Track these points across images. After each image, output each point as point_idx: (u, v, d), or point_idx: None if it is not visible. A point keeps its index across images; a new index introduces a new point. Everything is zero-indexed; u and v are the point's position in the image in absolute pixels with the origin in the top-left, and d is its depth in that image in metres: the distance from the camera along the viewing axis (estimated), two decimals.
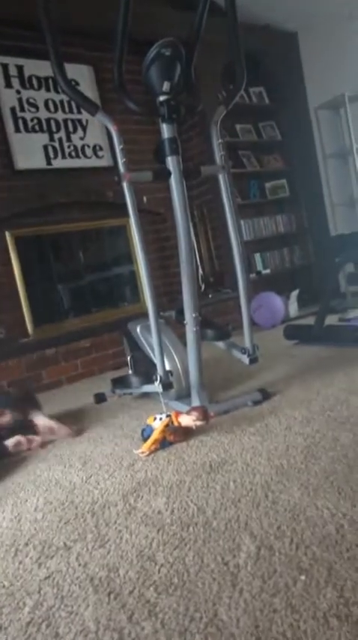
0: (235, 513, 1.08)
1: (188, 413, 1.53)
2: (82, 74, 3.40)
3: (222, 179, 1.72)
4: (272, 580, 0.84)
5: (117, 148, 1.55)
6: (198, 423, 1.51)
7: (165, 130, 1.60)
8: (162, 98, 1.59)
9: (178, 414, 1.54)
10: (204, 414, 1.52)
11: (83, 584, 0.93)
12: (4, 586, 0.98)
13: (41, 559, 1.05)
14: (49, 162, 3.25)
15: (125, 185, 1.54)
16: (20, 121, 3.16)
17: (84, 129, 3.43)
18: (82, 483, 1.39)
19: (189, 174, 1.69)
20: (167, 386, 1.63)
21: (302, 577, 0.83)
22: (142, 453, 1.49)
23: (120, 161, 1.55)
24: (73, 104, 3.38)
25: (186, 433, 1.55)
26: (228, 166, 1.75)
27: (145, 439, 1.54)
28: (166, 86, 1.54)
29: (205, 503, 1.15)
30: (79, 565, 1.00)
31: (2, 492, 1.43)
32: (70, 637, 0.80)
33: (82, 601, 0.89)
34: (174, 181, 1.60)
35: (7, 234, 3.00)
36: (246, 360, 1.76)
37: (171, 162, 1.60)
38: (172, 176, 1.60)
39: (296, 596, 0.79)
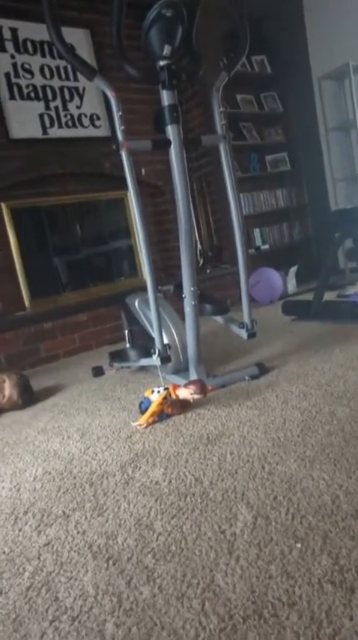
0: (232, 484, 1.09)
1: (186, 386, 1.53)
2: (78, 38, 3.27)
3: (222, 149, 1.68)
4: (268, 548, 0.86)
5: (116, 115, 1.50)
6: (196, 396, 1.52)
7: (165, 97, 1.54)
8: (162, 63, 1.53)
9: (176, 387, 1.54)
10: (202, 388, 1.53)
11: (82, 551, 0.95)
12: (4, 552, 0.99)
13: (40, 527, 1.06)
14: (44, 132, 3.16)
15: (123, 154, 1.50)
16: (15, 88, 3.06)
17: (81, 97, 3.32)
18: (80, 454, 1.40)
19: (190, 143, 1.65)
20: (165, 359, 1.62)
21: (298, 545, 0.84)
22: (140, 425, 1.50)
23: (119, 129, 1.50)
24: (70, 71, 3.27)
25: (183, 406, 1.56)
26: (230, 136, 1.71)
27: (143, 412, 1.54)
28: (167, 50, 1.48)
29: (202, 474, 1.17)
30: (78, 533, 1.01)
31: (2, 463, 1.44)
32: (69, 601, 0.82)
33: (81, 567, 0.90)
34: (173, 151, 1.56)
35: (3, 206, 2.94)
36: (244, 334, 1.75)
37: (171, 130, 1.55)
38: (172, 145, 1.56)
39: (292, 564, 0.80)
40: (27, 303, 3.01)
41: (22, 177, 3.01)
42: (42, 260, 3.19)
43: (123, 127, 1.50)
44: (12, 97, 3.05)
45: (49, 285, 3.20)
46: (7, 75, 3.04)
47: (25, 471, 1.36)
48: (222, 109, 1.65)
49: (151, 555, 0.90)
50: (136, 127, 1.84)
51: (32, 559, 0.95)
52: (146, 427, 1.50)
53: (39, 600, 0.84)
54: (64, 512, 1.10)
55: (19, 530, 1.06)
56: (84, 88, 3.34)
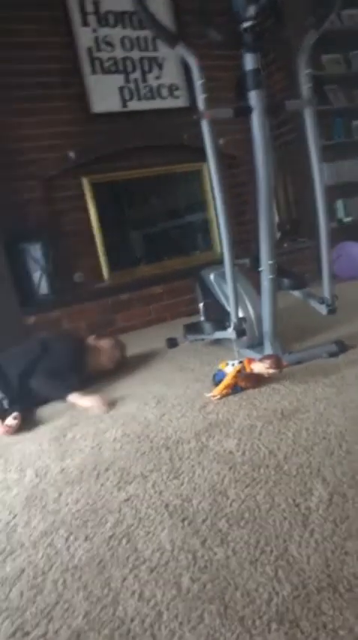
0: (307, 459, 1.08)
1: (261, 360, 1.52)
2: (158, 6, 3.22)
3: (308, 115, 1.59)
4: (344, 525, 0.84)
5: (197, 83, 1.47)
6: (271, 371, 1.51)
7: (248, 61, 1.48)
8: (246, 24, 1.46)
9: (251, 360, 1.54)
10: (278, 363, 1.51)
11: (159, 510, 1.00)
12: (88, 503, 1.07)
13: (120, 484, 1.13)
14: (124, 105, 3.19)
15: (204, 123, 1.48)
16: (97, 62, 3.10)
17: (160, 67, 3.30)
18: (156, 420, 1.46)
19: (273, 109, 1.58)
20: (240, 333, 1.62)
21: None
22: (214, 396, 1.53)
23: (200, 97, 1.47)
24: (150, 41, 3.25)
25: (258, 380, 1.55)
26: (315, 101, 1.61)
27: (216, 384, 1.56)
28: (252, 10, 1.41)
29: (276, 448, 1.17)
30: (155, 492, 1.07)
31: (84, 424, 1.54)
32: (147, 553, 0.88)
33: (158, 524, 0.96)
34: (255, 118, 1.50)
35: (84, 181, 3.05)
36: (323, 310, 1.69)
37: (253, 96, 1.50)
38: (254, 112, 1.50)
39: None
40: (105, 275, 3.13)
41: (102, 151, 3.08)
42: (120, 233, 3.29)
43: (204, 96, 1.47)
44: (93, 72, 3.11)
45: (126, 258, 3.30)
46: (89, 50, 3.09)
47: (106, 432, 1.44)
48: (308, 70, 1.55)
49: (225, 520, 0.93)
50: (216, 96, 1.79)
51: (113, 512, 1.02)
52: (219, 399, 1.52)
53: (120, 549, 0.90)
54: (141, 473, 1.17)
55: (101, 485, 1.14)
56: (163, 58, 3.30)
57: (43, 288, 2.78)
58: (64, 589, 0.82)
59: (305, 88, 1.57)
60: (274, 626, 0.68)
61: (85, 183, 3.06)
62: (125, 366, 2.10)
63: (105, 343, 2.03)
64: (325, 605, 0.69)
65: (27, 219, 2.89)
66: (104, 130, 3.10)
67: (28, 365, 1.79)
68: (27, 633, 0.75)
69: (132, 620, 0.73)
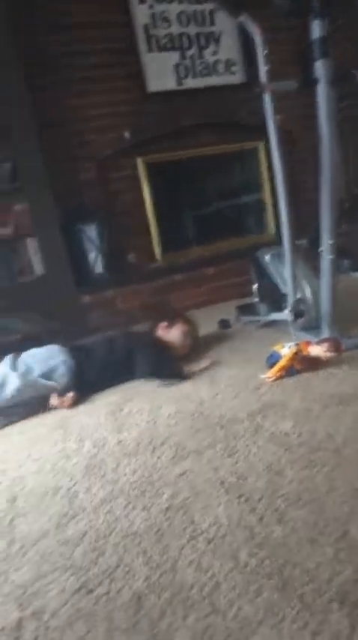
0: None
1: (319, 343, 1.48)
2: None
3: None
4: None
5: (260, 54, 1.42)
6: (329, 354, 1.47)
7: (315, 29, 1.41)
8: None
9: (308, 343, 1.50)
10: (336, 346, 1.46)
11: (215, 485, 1.01)
12: (144, 475, 1.11)
13: (175, 459, 1.15)
14: (179, 83, 3.15)
15: (266, 97, 1.43)
16: (153, 40, 3.07)
17: (217, 42, 3.21)
18: (210, 399, 1.47)
19: (340, 80, 1.50)
20: (298, 314, 1.58)
21: None
22: (268, 378, 1.51)
23: (263, 69, 1.43)
24: (207, 15, 3.17)
25: (314, 363, 1.52)
26: None
27: (270, 366, 1.54)
28: None
29: (334, 432, 1.14)
30: (211, 469, 1.08)
31: (139, 400, 1.58)
32: (204, 526, 0.89)
33: (214, 499, 0.97)
34: (321, 89, 1.43)
35: (139, 161, 3.06)
36: None
37: (319, 66, 1.42)
38: (320, 83, 1.43)
39: None
40: (158, 256, 3.15)
41: (156, 131, 3.07)
42: (173, 214, 3.28)
43: (267, 68, 1.42)
44: (149, 50, 3.08)
45: (179, 239, 3.30)
46: (146, 27, 3.06)
47: (161, 408, 1.47)
48: None
49: (282, 499, 0.92)
50: (276, 70, 1.72)
51: (170, 484, 1.05)
52: (274, 380, 1.50)
53: (177, 520, 0.92)
54: (196, 449, 1.18)
55: (158, 458, 1.17)
56: (220, 33, 3.22)
57: (98, 268, 2.84)
58: (125, 553, 0.86)
59: None
60: (335, 605, 0.67)
61: (140, 163, 3.07)
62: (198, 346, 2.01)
63: (175, 336, 1.90)
64: None
65: (83, 199, 2.95)
66: (159, 109, 3.08)
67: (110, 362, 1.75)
68: (91, 590, 0.79)
69: (190, 588, 0.75)
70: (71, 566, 0.85)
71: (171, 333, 1.90)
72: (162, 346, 1.85)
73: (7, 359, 1.70)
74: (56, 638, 0.70)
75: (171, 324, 1.92)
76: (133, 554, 0.85)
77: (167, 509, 0.96)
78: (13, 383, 1.57)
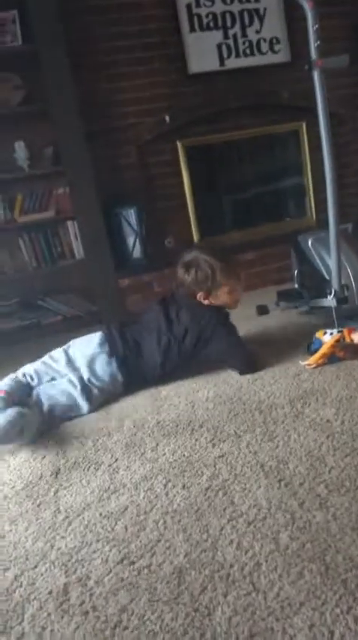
0: None
1: None
2: None
3: None
4: None
5: (311, 29, 1.37)
6: None
7: None
8: None
9: (352, 330, 1.46)
10: None
11: (254, 469, 1.01)
12: (184, 455, 1.12)
13: (214, 441, 1.16)
14: (221, 64, 3.08)
15: (316, 74, 1.38)
16: (195, 19, 3.01)
17: (261, 20, 3.11)
18: (248, 384, 1.46)
19: None
20: (342, 301, 1.54)
21: None
22: (309, 365, 1.48)
23: (313, 45, 1.37)
24: None
25: (357, 351, 1.48)
26: None
27: (312, 352, 1.52)
28: None
29: None
30: (250, 452, 1.08)
31: (177, 383, 1.58)
32: (244, 507, 0.89)
33: (253, 482, 0.97)
34: None
35: (179, 144, 3.03)
36: None
37: None
38: None
39: None
40: (196, 240, 3.13)
41: (197, 113, 3.03)
42: (212, 198, 3.24)
43: (318, 43, 1.37)
44: (192, 29, 3.02)
45: (218, 223, 3.26)
46: (188, 6, 3.00)
47: (198, 391, 1.48)
48: None
49: (324, 485, 0.91)
50: (323, 47, 1.64)
51: (209, 466, 1.06)
52: (315, 367, 1.47)
53: (216, 500, 0.93)
54: (235, 432, 1.18)
55: (196, 440, 1.18)
56: (265, 9, 3.10)
57: (137, 252, 2.86)
58: (165, 529, 0.87)
59: None
60: None
61: (179, 147, 3.04)
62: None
63: (225, 300, 1.60)
64: None
65: (123, 183, 2.96)
66: (200, 90, 3.03)
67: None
68: (132, 562, 0.81)
69: (231, 566, 0.76)
70: (113, 538, 0.88)
71: (220, 298, 1.58)
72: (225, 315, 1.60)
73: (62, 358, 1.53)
74: (101, 604, 0.73)
75: (208, 292, 1.57)
76: (174, 530, 0.87)
77: (207, 489, 0.97)
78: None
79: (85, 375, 1.48)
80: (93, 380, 1.48)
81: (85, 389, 1.45)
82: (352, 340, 1.46)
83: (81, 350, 1.54)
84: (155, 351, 1.52)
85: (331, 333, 1.48)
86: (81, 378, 1.47)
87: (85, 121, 2.64)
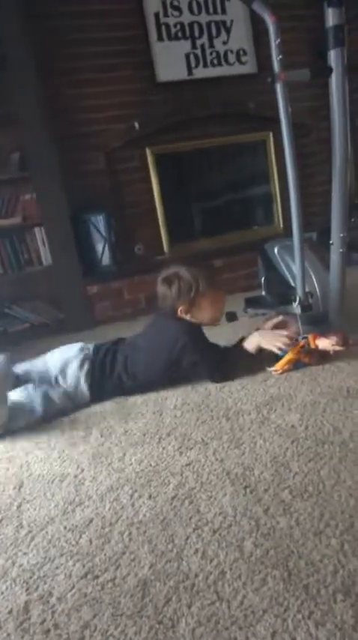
0: None
1: (326, 336, 1.48)
2: None
3: None
4: None
5: (273, 42, 1.40)
6: (337, 348, 1.46)
7: (331, 16, 1.38)
8: None
9: (316, 336, 1.49)
10: (344, 340, 1.46)
11: (220, 476, 1.02)
12: (150, 465, 1.11)
13: (182, 449, 1.16)
14: (189, 73, 3.11)
15: (279, 87, 1.41)
16: (163, 28, 3.03)
17: (228, 31, 3.17)
18: (216, 391, 1.47)
19: (354, 71, 1.47)
20: (306, 308, 1.57)
21: None
22: (275, 371, 1.51)
23: (276, 58, 1.40)
24: (219, 3, 3.12)
25: (322, 356, 1.51)
26: None
27: (279, 358, 1.54)
28: None
29: (341, 425, 1.14)
30: (216, 459, 1.08)
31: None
32: (210, 516, 0.89)
33: (219, 489, 0.97)
34: (335, 79, 1.41)
35: (148, 151, 3.04)
36: None
37: (334, 55, 1.40)
38: (334, 73, 1.41)
39: None
40: (165, 247, 3.14)
41: (166, 121, 3.05)
42: (181, 206, 3.26)
43: (280, 57, 1.40)
44: (160, 38, 3.04)
45: (187, 231, 3.28)
46: (156, 15, 3.03)
47: (166, 399, 1.47)
48: None
49: (288, 491, 0.93)
50: (287, 61, 1.69)
51: (176, 474, 1.05)
52: (281, 373, 1.50)
53: (183, 509, 0.93)
54: (202, 440, 1.18)
55: (163, 448, 1.18)
56: (231, 21, 3.17)
57: (106, 259, 2.84)
58: (130, 541, 0.86)
59: None
60: (340, 597, 0.67)
61: (149, 154, 3.05)
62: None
63: (206, 314, 1.57)
64: None
65: (91, 190, 2.94)
66: (169, 99, 3.05)
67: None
68: (96, 576, 0.79)
69: (196, 576, 0.76)
70: (77, 552, 0.86)
71: (203, 310, 1.55)
72: (197, 329, 1.53)
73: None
74: (63, 621, 0.71)
75: (191, 304, 1.53)
76: (139, 542, 0.86)
77: (173, 498, 0.97)
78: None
79: (54, 373, 1.51)
80: (61, 380, 1.50)
81: (46, 395, 1.45)
82: (316, 346, 1.49)
83: (60, 352, 1.58)
84: (122, 366, 1.52)
85: (297, 340, 1.51)
86: (49, 379, 1.51)
87: (52, 126, 2.62)
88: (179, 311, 1.55)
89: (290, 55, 1.58)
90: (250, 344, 1.55)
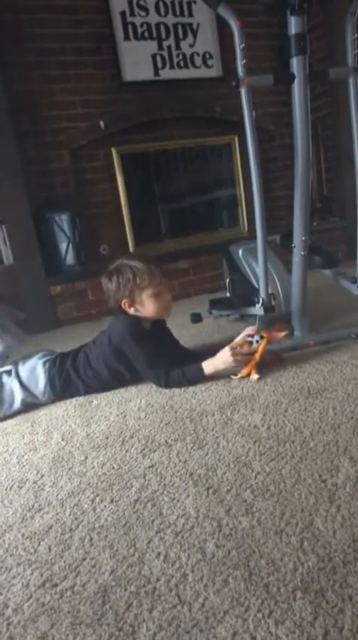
0: (334, 437, 1.07)
1: (275, 329, 1.52)
2: None
3: (352, 84, 1.52)
4: None
5: (238, 47, 1.41)
6: (280, 335, 1.51)
7: (293, 25, 1.41)
8: None
9: (269, 333, 1.52)
10: (280, 327, 1.52)
11: (183, 477, 1.01)
12: (113, 468, 1.09)
13: (145, 451, 1.15)
14: (156, 74, 3.12)
15: (243, 91, 1.43)
16: (130, 27, 3.02)
17: (194, 34, 3.19)
18: (180, 392, 1.47)
19: (315, 78, 1.51)
20: (269, 309, 1.60)
21: None
22: (243, 377, 1.51)
23: (240, 63, 1.42)
24: (185, 5, 3.14)
25: (278, 353, 1.54)
26: None
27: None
28: None
29: (302, 425, 1.16)
30: (180, 461, 1.08)
31: (108, 392, 1.56)
32: (172, 518, 0.89)
33: (182, 491, 0.97)
34: (297, 86, 1.44)
35: (113, 151, 3.01)
36: (355, 290, 1.65)
37: (296, 63, 1.43)
38: (296, 80, 1.44)
39: None
40: (131, 248, 3.12)
41: (132, 121, 3.04)
42: (146, 206, 3.26)
43: (244, 61, 1.42)
44: (126, 38, 3.03)
45: (152, 232, 3.28)
46: (123, 14, 3.01)
47: (130, 401, 1.46)
48: (356, 35, 1.47)
49: (250, 491, 0.93)
50: (252, 66, 1.72)
51: (138, 477, 1.04)
52: (244, 376, 1.51)
53: (145, 512, 0.92)
54: (166, 441, 1.18)
55: (126, 451, 1.16)
56: (198, 25, 3.20)
57: (70, 259, 2.79)
58: (91, 547, 0.84)
59: (351, 54, 1.50)
60: (299, 594, 0.68)
61: (114, 153, 3.03)
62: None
63: (150, 309, 1.53)
64: (351, 579, 0.69)
65: (55, 188, 2.89)
66: (135, 99, 3.04)
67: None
68: (55, 585, 0.77)
69: (157, 580, 0.75)
70: (36, 560, 0.83)
71: (146, 305, 1.52)
72: (137, 324, 1.52)
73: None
74: (19, 633, 0.69)
75: (131, 298, 1.51)
76: (100, 547, 0.84)
77: (135, 501, 0.96)
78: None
79: (18, 363, 1.53)
80: (20, 369, 1.52)
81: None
82: (275, 338, 1.51)
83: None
84: (81, 365, 1.54)
85: (257, 341, 1.52)
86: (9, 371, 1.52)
87: (14, 121, 2.55)
88: (122, 304, 1.53)
89: (257, 60, 1.61)
90: (209, 367, 1.50)
